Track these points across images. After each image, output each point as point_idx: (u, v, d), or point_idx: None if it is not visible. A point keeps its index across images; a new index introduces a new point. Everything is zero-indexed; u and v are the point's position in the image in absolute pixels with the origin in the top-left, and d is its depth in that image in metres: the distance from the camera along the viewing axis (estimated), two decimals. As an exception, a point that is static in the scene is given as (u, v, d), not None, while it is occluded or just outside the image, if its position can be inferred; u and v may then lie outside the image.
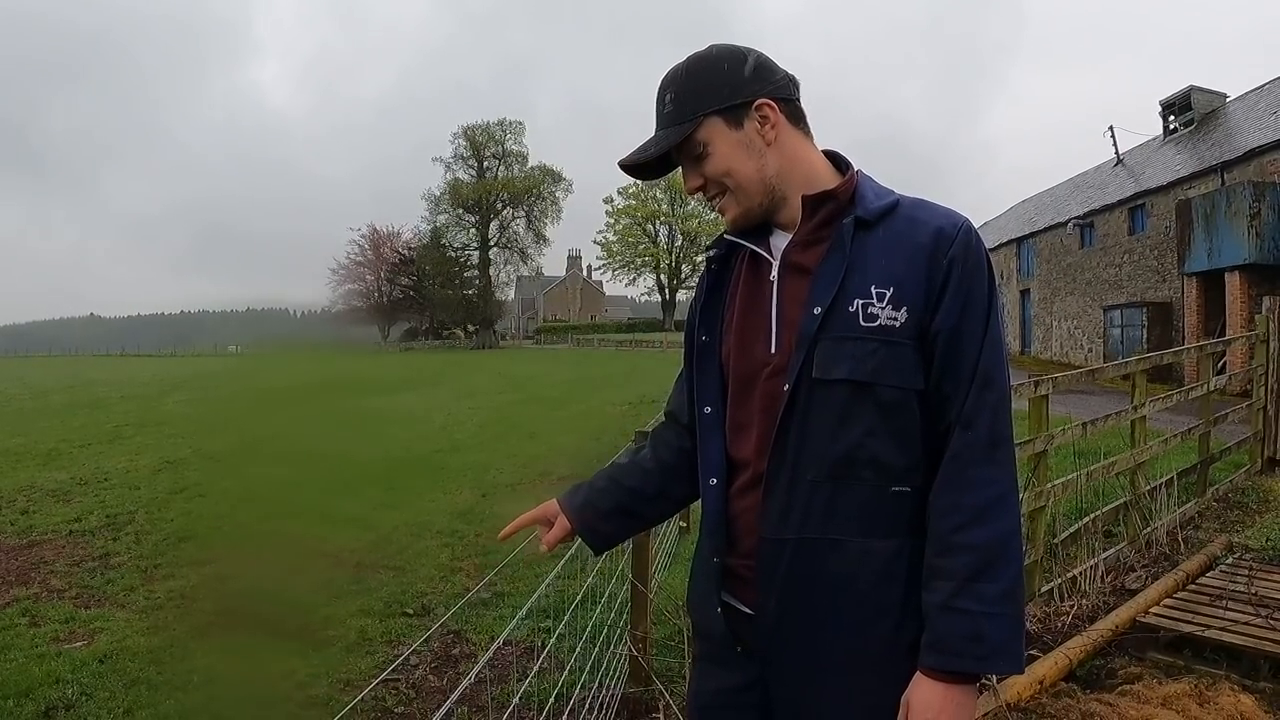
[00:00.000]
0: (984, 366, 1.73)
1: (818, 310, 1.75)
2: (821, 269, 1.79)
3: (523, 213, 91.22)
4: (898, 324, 1.73)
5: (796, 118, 1.90)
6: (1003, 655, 1.68)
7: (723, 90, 1.83)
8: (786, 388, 1.77)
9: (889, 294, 1.73)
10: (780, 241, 1.89)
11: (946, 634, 1.67)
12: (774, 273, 1.87)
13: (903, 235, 1.78)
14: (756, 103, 1.84)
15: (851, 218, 1.79)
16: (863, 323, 1.73)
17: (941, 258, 1.74)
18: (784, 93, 1.87)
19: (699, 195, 1.94)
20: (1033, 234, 36.78)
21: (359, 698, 3.98)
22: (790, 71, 1.92)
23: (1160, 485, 7.41)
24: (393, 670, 5.34)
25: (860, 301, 1.74)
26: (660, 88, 1.89)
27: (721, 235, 1.99)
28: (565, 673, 4.43)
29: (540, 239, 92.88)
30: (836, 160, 1.95)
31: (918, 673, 1.70)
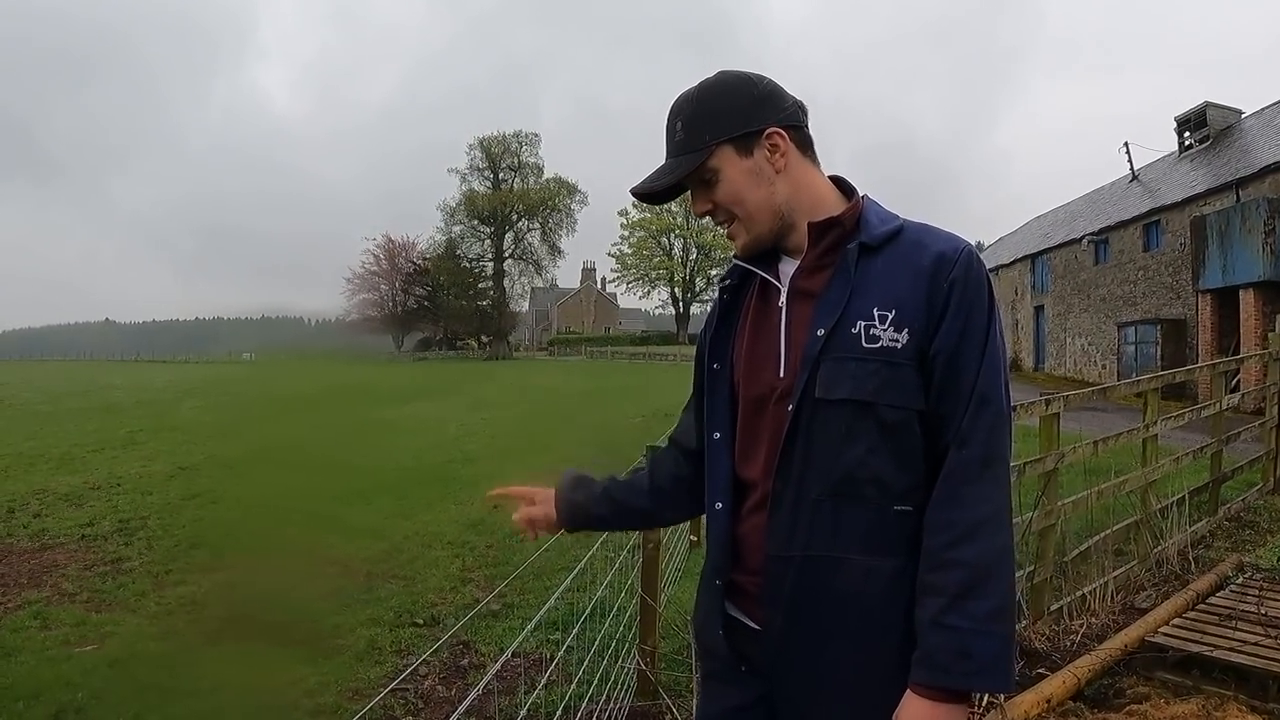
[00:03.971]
0: (981, 387, 1.76)
1: (820, 332, 1.78)
2: (826, 293, 1.82)
3: (537, 224, 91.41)
4: (899, 345, 1.76)
5: (805, 145, 1.93)
6: (990, 673, 1.70)
7: (734, 119, 1.86)
8: (790, 408, 1.80)
9: (891, 316, 1.76)
10: (789, 268, 1.93)
11: (935, 650, 1.69)
12: (782, 299, 1.90)
13: (905, 259, 1.81)
14: (767, 131, 1.87)
15: (856, 243, 1.83)
16: (865, 344, 1.76)
17: (942, 281, 1.77)
18: (793, 120, 1.90)
19: (707, 219, 1.97)
20: (1047, 250, 36.66)
21: (368, 707, 3.99)
22: (799, 98, 1.95)
23: (1171, 504, 7.39)
24: (401, 680, 5.35)
25: (863, 323, 1.77)
26: (670, 115, 1.92)
27: (734, 265, 2.02)
28: (573, 685, 4.44)
29: (555, 251, 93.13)
30: (842, 185, 1.98)
31: (908, 689, 1.72)
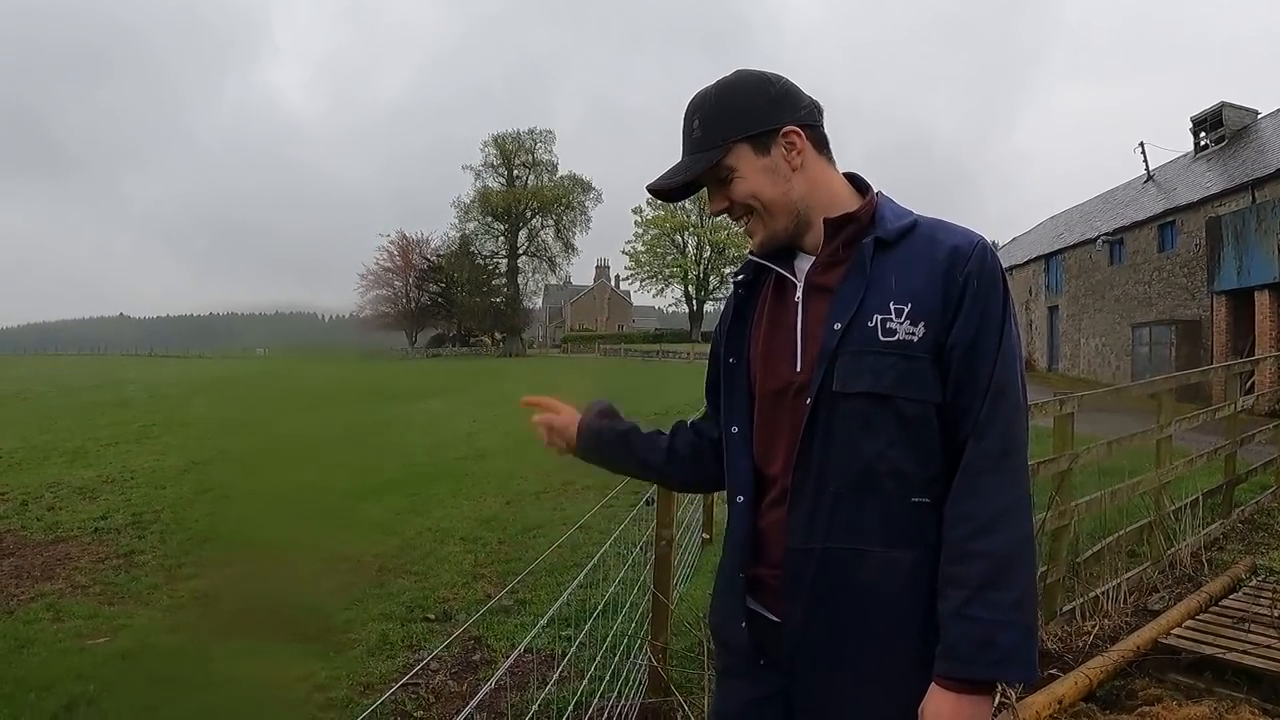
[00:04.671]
0: (998, 379, 1.77)
1: (838, 326, 1.80)
2: (842, 287, 1.84)
3: (551, 222, 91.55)
4: (915, 339, 1.78)
5: (821, 144, 1.95)
6: (1014, 663, 1.70)
7: (750, 117, 1.88)
8: (809, 401, 1.82)
9: (907, 310, 1.78)
10: (804, 264, 1.94)
11: (958, 641, 1.70)
12: (798, 294, 1.92)
13: (921, 254, 1.83)
14: (784, 130, 1.88)
15: (872, 238, 1.84)
16: (881, 337, 1.78)
17: (958, 274, 1.79)
18: (809, 119, 1.92)
19: (724, 216, 1.98)
20: (1061, 250, 36.52)
21: (378, 701, 3.99)
22: (814, 97, 1.97)
23: (1185, 505, 7.35)
24: (413, 675, 5.36)
25: (879, 317, 1.78)
26: (688, 112, 1.94)
27: (749, 260, 2.04)
28: (585, 681, 4.45)
29: (569, 248, 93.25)
30: (857, 182, 1.99)
31: (932, 683, 1.73)
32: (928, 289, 1.79)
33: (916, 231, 1.87)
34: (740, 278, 2.05)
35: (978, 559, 1.71)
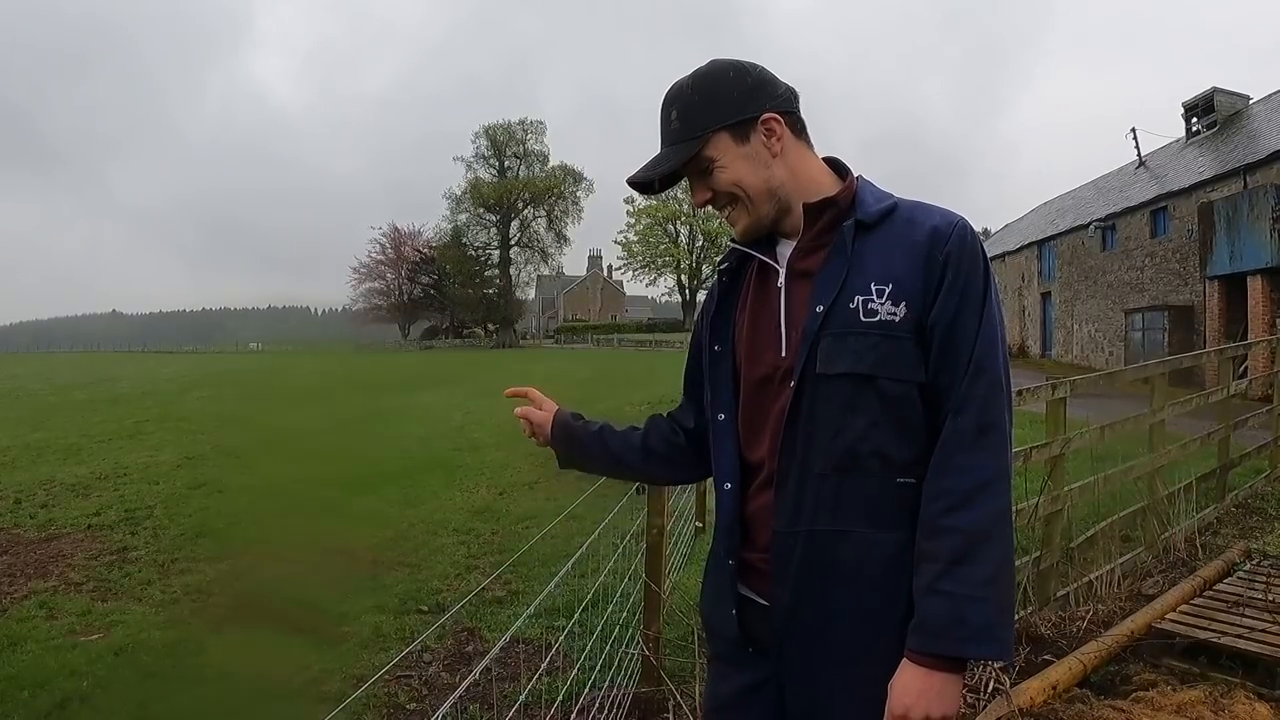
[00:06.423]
0: (978, 357, 1.77)
1: (820, 308, 1.80)
2: (824, 271, 1.84)
3: (543, 212, 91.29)
4: (897, 319, 1.78)
5: (799, 129, 1.95)
6: (984, 639, 1.69)
7: (729, 106, 1.88)
8: (792, 384, 1.82)
9: (888, 290, 1.78)
10: (786, 250, 1.95)
11: (928, 616, 1.70)
12: (781, 280, 1.92)
13: (901, 235, 1.83)
14: (762, 117, 1.89)
15: (852, 221, 1.84)
16: (863, 318, 1.78)
17: (938, 254, 1.79)
18: (787, 106, 1.93)
19: (708, 207, 1.99)
20: (1054, 236, 36.56)
21: (363, 687, 4.00)
22: (791, 84, 1.97)
23: (1179, 490, 7.36)
24: (405, 666, 5.34)
25: (861, 298, 1.79)
26: (665, 104, 1.95)
27: (732, 249, 2.03)
28: (576, 671, 4.44)
29: (561, 239, 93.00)
30: (836, 166, 2.00)
31: (904, 657, 1.73)
32: (908, 270, 1.79)
33: (896, 213, 1.87)
34: (724, 265, 2.05)
35: (950, 534, 1.70)
